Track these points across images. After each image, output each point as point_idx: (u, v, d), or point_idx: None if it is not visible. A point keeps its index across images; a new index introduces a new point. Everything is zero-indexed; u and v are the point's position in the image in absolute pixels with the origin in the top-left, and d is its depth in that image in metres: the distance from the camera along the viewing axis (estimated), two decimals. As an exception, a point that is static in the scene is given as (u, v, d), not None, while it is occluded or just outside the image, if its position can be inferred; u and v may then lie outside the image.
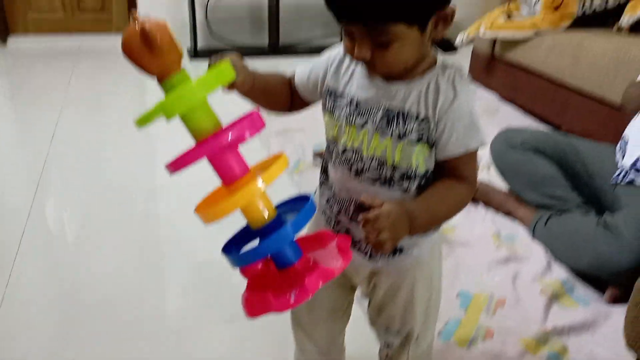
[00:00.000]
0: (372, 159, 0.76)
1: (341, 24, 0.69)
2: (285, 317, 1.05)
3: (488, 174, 1.89)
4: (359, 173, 0.78)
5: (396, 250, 0.83)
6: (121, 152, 2.16)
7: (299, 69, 0.85)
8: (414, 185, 0.77)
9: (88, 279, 1.40)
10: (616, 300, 1.31)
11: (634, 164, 1.46)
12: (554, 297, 1.32)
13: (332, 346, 1.07)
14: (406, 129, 0.73)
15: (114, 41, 3.30)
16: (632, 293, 0.77)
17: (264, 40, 3.84)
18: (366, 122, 0.75)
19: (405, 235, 0.70)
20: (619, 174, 1.50)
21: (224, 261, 0.68)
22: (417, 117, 0.73)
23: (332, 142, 0.81)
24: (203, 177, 1.98)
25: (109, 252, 1.52)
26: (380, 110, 0.74)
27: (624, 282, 1.25)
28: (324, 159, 0.87)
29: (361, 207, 0.72)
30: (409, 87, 0.73)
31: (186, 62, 3.48)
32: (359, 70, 0.77)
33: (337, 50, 0.81)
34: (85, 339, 1.20)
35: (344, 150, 0.78)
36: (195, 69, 3.40)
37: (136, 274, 1.43)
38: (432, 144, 0.74)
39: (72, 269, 1.44)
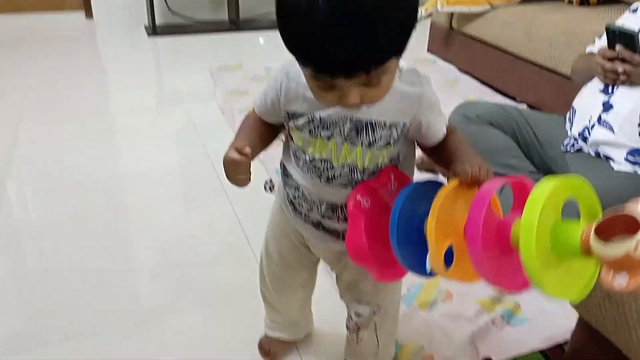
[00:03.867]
0: (343, 167, 0.79)
1: (333, 80, 0.63)
2: (254, 296, 1.10)
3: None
4: (329, 180, 0.80)
5: None
6: (83, 141, 2.12)
7: (256, 103, 0.85)
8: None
9: (56, 270, 1.39)
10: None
11: (582, 133, 1.55)
12: (509, 260, 1.41)
13: (300, 315, 1.14)
14: (375, 137, 0.76)
15: (67, 20, 3.16)
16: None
17: (223, 15, 3.80)
18: (332, 135, 0.77)
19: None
20: (568, 143, 1.59)
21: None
22: (384, 125, 0.76)
23: (299, 150, 0.82)
24: (162, 163, 1.99)
25: (75, 241, 1.51)
26: (348, 123, 0.76)
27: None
28: (281, 162, 0.89)
29: (337, 207, 0.81)
30: None
31: (144, 40, 3.42)
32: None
33: (281, 74, 0.80)
34: (55, 331, 1.19)
35: (312, 160, 0.80)
36: (154, 46, 3.35)
37: (104, 261, 1.43)
38: (400, 142, 0.78)
39: (40, 261, 1.44)
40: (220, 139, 0.86)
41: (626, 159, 1.43)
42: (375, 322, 1.00)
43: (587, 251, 0.58)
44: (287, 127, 0.83)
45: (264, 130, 0.86)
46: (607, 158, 1.47)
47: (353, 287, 0.97)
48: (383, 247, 0.76)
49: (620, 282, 0.55)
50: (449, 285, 1.28)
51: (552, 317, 1.18)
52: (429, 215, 0.66)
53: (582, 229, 0.59)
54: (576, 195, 0.63)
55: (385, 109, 0.75)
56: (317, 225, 0.87)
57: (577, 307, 0.97)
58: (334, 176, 0.79)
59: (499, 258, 0.64)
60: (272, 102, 0.82)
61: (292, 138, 0.83)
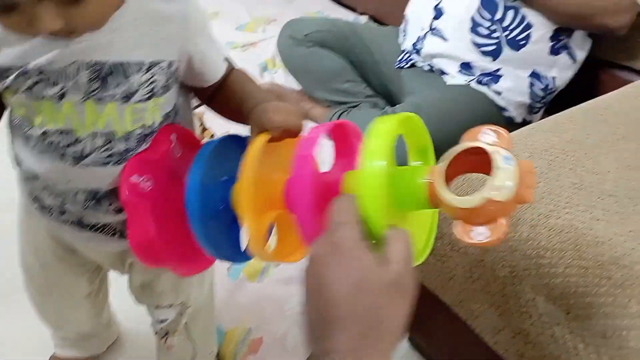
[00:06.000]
0: (94, 137, 0.55)
1: None
2: None
3: (283, 74, 1.74)
4: (78, 159, 0.56)
5: None
6: None
7: None
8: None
9: None
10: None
11: (415, 45, 1.40)
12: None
13: (95, 326, 0.90)
14: (131, 86, 0.53)
15: None
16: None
17: None
18: (65, 91, 0.52)
19: None
20: (402, 58, 1.44)
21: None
22: (141, 66, 0.53)
23: (24, 122, 0.56)
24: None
25: None
26: (84, 70, 0.51)
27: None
28: (10, 141, 0.61)
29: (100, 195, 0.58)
30: (111, 28, 0.51)
31: None
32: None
33: None
34: None
35: (45, 134, 0.55)
36: None
37: None
38: (171, 89, 0.57)
39: None
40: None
41: (460, 71, 1.31)
42: (185, 323, 0.81)
43: (435, 204, 0.46)
44: None
45: None
46: (442, 72, 1.34)
47: (148, 291, 0.76)
48: (180, 235, 0.56)
49: (480, 234, 0.43)
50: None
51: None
52: (238, 189, 0.50)
53: (422, 176, 0.46)
54: (405, 132, 0.50)
55: (134, 42, 0.52)
56: (80, 224, 0.62)
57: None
58: (82, 153, 0.55)
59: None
60: None
61: (12, 106, 0.56)
